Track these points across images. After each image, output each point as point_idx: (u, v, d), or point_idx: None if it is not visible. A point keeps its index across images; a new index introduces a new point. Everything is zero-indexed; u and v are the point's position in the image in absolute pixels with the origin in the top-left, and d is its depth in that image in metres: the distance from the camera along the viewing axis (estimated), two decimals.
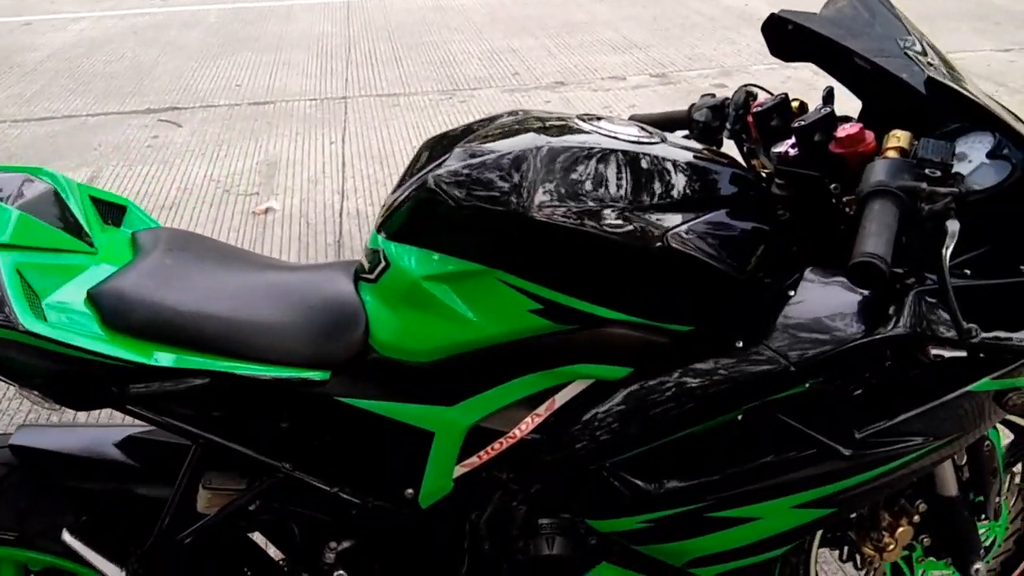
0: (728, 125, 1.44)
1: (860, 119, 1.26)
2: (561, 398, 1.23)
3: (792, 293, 1.17)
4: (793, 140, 1.23)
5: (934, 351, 1.19)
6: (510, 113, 1.38)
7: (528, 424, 1.23)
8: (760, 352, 1.14)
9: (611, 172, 1.19)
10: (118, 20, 7.49)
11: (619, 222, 1.15)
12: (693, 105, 1.50)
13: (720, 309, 1.18)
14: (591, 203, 1.15)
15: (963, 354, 1.18)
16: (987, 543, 1.53)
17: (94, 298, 1.16)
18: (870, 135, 1.16)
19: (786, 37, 1.28)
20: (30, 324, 1.07)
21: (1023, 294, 1.15)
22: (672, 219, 1.17)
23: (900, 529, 1.36)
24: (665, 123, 1.52)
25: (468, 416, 1.23)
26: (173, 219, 3.74)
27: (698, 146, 1.36)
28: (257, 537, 1.41)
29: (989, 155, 1.15)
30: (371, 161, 4.29)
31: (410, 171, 1.30)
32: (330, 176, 4.14)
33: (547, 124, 1.30)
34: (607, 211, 1.15)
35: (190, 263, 1.28)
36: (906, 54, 1.19)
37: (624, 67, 5.67)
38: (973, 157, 1.16)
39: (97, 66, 6.11)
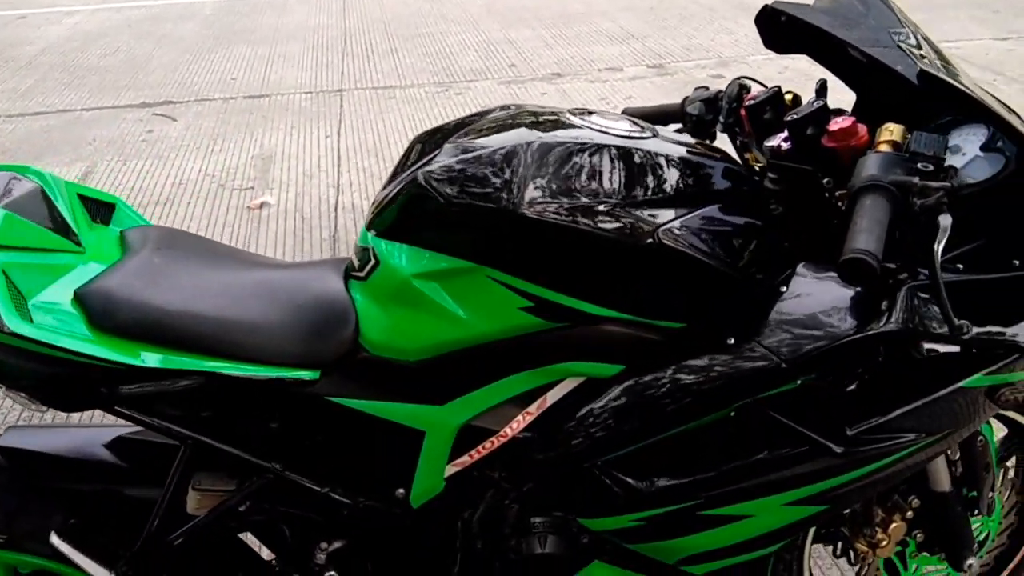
0: (721, 118, 1.42)
1: (854, 112, 1.25)
2: (553, 396, 1.22)
3: (784, 289, 1.16)
4: (786, 133, 1.22)
5: (927, 346, 1.18)
6: (502, 107, 1.37)
7: (519, 422, 1.22)
8: (752, 349, 1.13)
9: (602, 168, 1.18)
10: (113, 13, 7.46)
11: (610, 218, 1.14)
12: (686, 98, 1.49)
13: (712, 306, 1.17)
14: (582, 199, 1.14)
15: (956, 349, 1.18)
16: (980, 538, 1.52)
17: (81, 298, 1.15)
18: (863, 128, 1.15)
19: (780, 29, 1.27)
20: (15, 326, 1.06)
21: (1016, 289, 1.14)
22: (664, 215, 1.16)
23: (893, 525, 1.35)
24: (658, 116, 1.51)
25: (459, 415, 1.22)
26: (168, 214, 3.73)
27: (690, 141, 1.34)
28: (248, 538, 1.41)
29: (983, 148, 1.14)
30: (367, 155, 4.28)
31: (401, 166, 1.29)
32: (325, 170, 4.12)
33: (538, 119, 1.28)
34: (598, 207, 1.14)
35: (179, 262, 1.27)
36: (899, 47, 1.17)
37: (621, 58, 5.65)
38: (967, 150, 1.15)
39: (92, 60, 6.08)
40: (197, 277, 1.26)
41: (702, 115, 1.45)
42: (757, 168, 1.32)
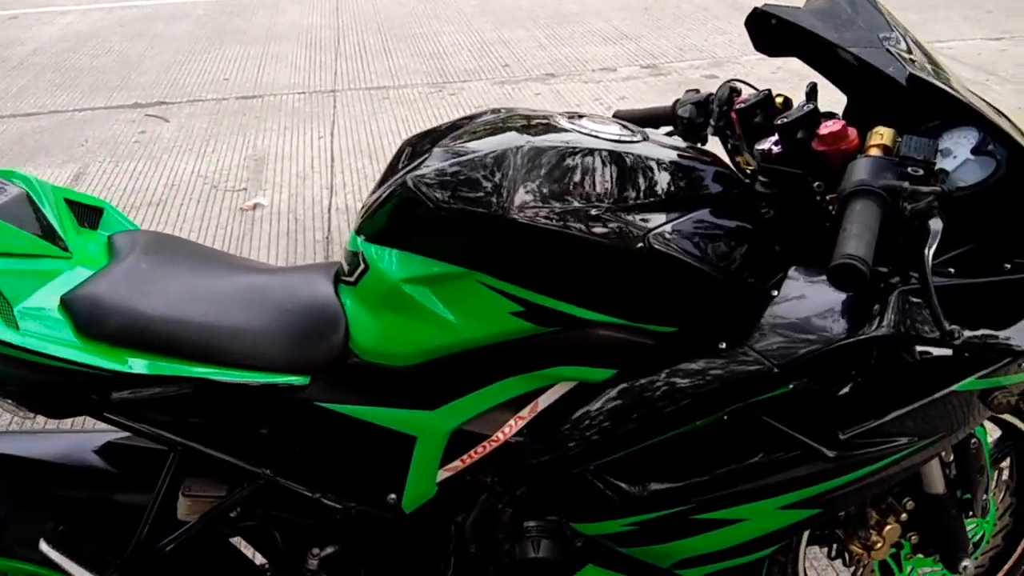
0: (712, 121, 1.42)
1: (844, 114, 1.25)
2: (544, 400, 1.22)
3: (775, 293, 1.16)
4: (776, 137, 1.22)
5: (919, 349, 1.18)
6: (492, 111, 1.36)
7: (511, 427, 1.22)
8: (744, 353, 1.13)
9: (592, 172, 1.17)
10: (105, 13, 7.44)
11: (601, 223, 1.13)
12: (677, 101, 1.48)
13: (703, 310, 1.16)
14: (572, 204, 1.14)
15: (948, 353, 1.18)
16: (975, 539, 1.52)
17: (68, 304, 1.14)
18: (853, 132, 1.15)
19: (770, 31, 1.27)
20: (0, 333, 1.05)
21: (1007, 292, 1.14)
22: (654, 219, 1.15)
23: (887, 527, 1.35)
24: (649, 119, 1.51)
25: (450, 420, 1.21)
26: (160, 216, 3.71)
27: (681, 144, 1.34)
28: (240, 543, 1.40)
29: (974, 151, 1.14)
30: (360, 156, 4.27)
31: (391, 170, 1.29)
32: (319, 171, 4.11)
33: (528, 123, 1.28)
34: (588, 211, 1.14)
35: (167, 266, 1.26)
36: (888, 51, 1.17)
37: (615, 58, 5.64)
38: (958, 153, 1.15)
39: (84, 60, 6.06)
40: (185, 282, 1.25)
41: (693, 118, 1.45)
42: (748, 171, 1.32)
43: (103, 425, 1.23)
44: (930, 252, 1.00)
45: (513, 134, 1.23)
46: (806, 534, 1.43)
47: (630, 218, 1.14)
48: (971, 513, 1.43)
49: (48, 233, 1.22)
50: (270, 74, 5.61)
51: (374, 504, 1.25)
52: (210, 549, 1.33)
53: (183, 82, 5.52)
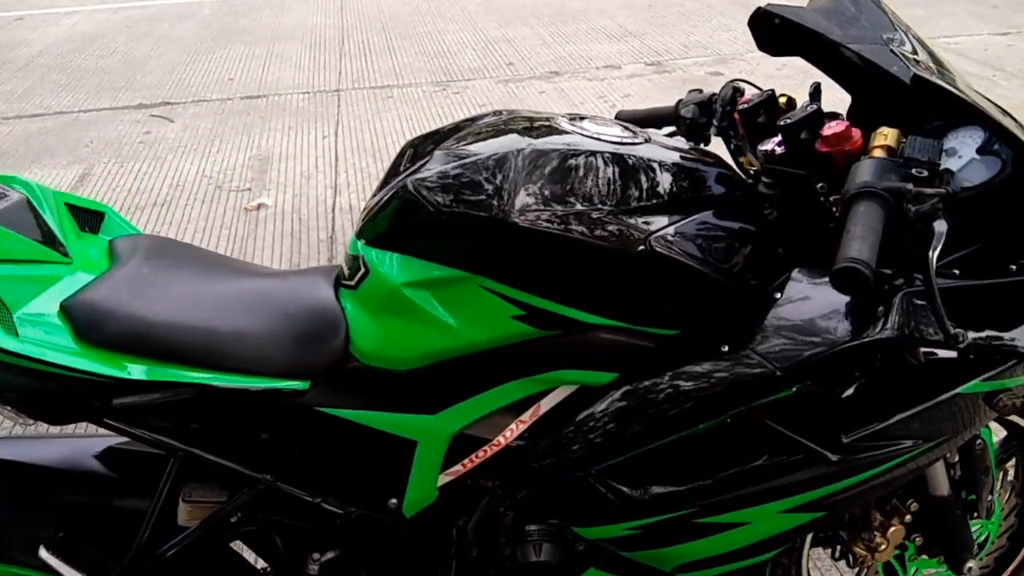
0: (715, 122, 1.41)
1: (849, 115, 1.24)
2: (546, 404, 1.21)
3: (779, 295, 1.15)
4: (780, 138, 1.21)
5: (924, 351, 1.17)
6: (494, 113, 1.35)
7: (513, 431, 1.21)
8: (746, 356, 1.12)
9: (594, 174, 1.16)
10: (111, 14, 7.45)
11: (602, 225, 1.12)
12: (680, 101, 1.47)
13: (705, 313, 1.16)
14: (573, 207, 1.13)
15: (953, 355, 1.16)
16: (980, 540, 1.51)
17: (67, 310, 1.13)
18: (857, 133, 1.13)
19: (774, 31, 1.25)
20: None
21: (1012, 294, 1.13)
22: (656, 221, 1.14)
23: (892, 529, 1.34)
24: (652, 120, 1.49)
25: (451, 424, 1.21)
26: (165, 216, 3.72)
27: (683, 146, 1.33)
28: (241, 548, 1.40)
29: (979, 151, 1.13)
30: (364, 155, 4.26)
31: (393, 172, 1.28)
32: (323, 171, 4.11)
33: (531, 125, 1.27)
34: (590, 214, 1.13)
35: (167, 271, 1.26)
36: (892, 51, 1.16)
37: (619, 56, 5.63)
38: (963, 152, 1.13)
39: (89, 61, 6.07)
40: (186, 287, 1.24)
41: (696, 118, 1.44)
42: (751, 172, 1.31)
43: (103, 430, 1.23)
44: (934, 254, 0.99)
45: (515, 136, 1.23)
46: (810, 536, 1.42)
47: (632, 221, 1.13)
48: (976, 514, 1.43)
49: (48, 238, 1.21)
50: (275, 74, 5.61)
51: (375, 509, 1.25)
52: (211, 554, 1.33)
53: (188, 82, 5.52)
